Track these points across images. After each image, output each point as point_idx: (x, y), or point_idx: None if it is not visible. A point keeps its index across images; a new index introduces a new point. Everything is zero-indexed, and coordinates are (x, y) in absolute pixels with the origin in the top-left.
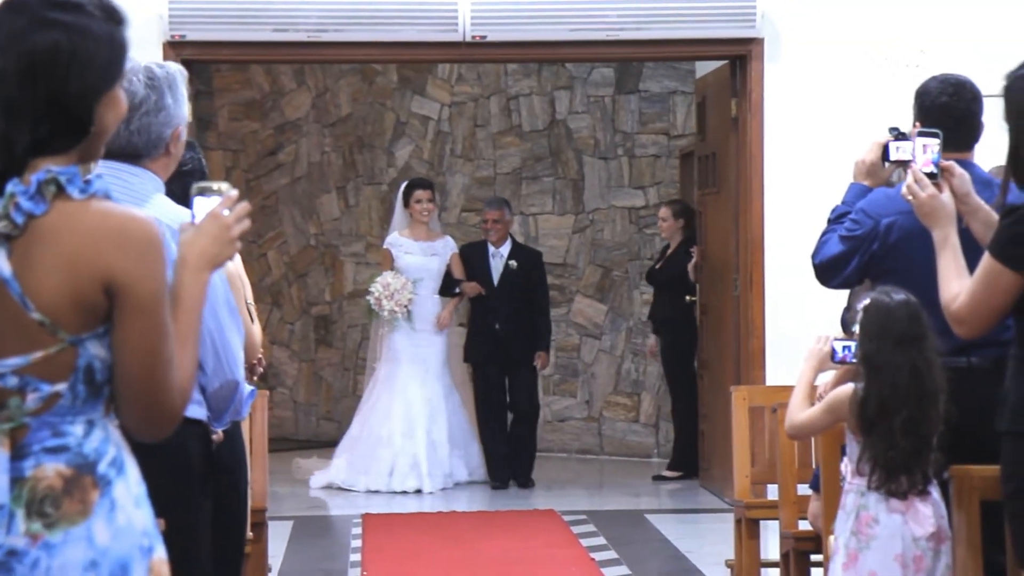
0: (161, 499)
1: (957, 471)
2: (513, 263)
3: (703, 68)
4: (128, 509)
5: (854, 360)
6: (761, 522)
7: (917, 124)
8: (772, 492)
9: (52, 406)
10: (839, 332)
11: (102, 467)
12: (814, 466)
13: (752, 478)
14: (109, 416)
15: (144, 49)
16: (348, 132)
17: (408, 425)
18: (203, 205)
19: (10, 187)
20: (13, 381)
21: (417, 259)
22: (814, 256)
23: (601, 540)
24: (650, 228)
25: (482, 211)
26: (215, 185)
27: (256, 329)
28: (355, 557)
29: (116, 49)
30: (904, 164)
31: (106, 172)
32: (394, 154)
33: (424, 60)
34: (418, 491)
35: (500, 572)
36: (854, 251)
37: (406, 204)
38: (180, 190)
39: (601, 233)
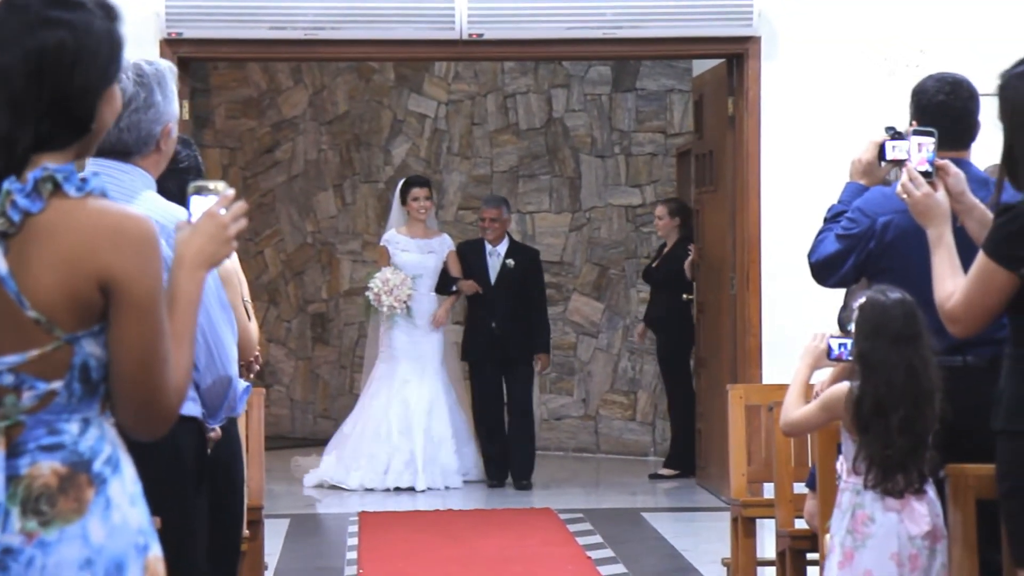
0: (156, 497)
1: (953, 470)
2: (510, 262)
3: (700, 66)
4: (123, 507)
5: (850, 358)
6: (757, 520)
7: (914, 123)
8: (768, 490)
9: (48, 404)
10: (835, 330)
11: (97, 465)
12: (810, 465)
13: (748, 476)
14: (105, 414)
15: (141, 47)
16: (345, 130)
17: (405, 422)
18: (200, 204)
19: (7, 184)
20: (9, 379)
21: (414, 257)
22: (810, 255)
23: (597, 538)
24: (647, 226)
25: (479, 209)
26: (212, 184)
27: (253, 327)
28: (351, 555)
29: (115, 46)
30: (900, 163)
31: (96, 170)
32: (391, 152)
33: (421, 58)
34: (411, 488)
35: (497, 570)
36: (850, 250)
37: (403, 201)
38: (176, 188)
39: (598, 231)
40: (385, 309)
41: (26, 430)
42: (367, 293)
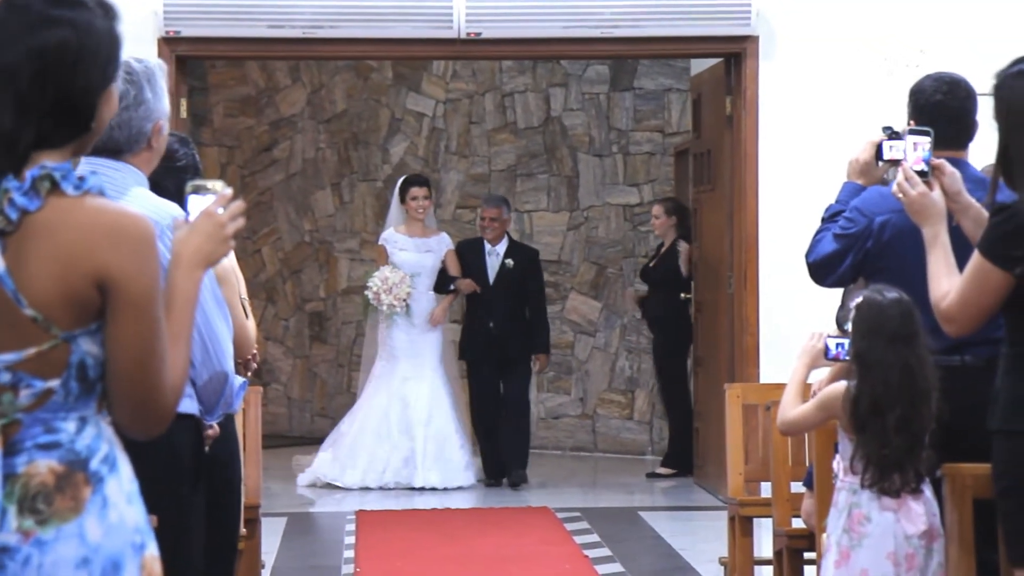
0: (153, 495)
1: (950, 469)
2: (509, 262)
3: (698, 65)
4: (120, 506)
5: (847, 357)
6: (755, 519)
7: (911, 123)
8: (766, 490)
9: (45, 402)
10: (833, 329)
11: (94, 464)
12: (808, 464)
13: (746, 476)
14: (102, 413)
15: (139, 45)
16: (343, 128)
17: (404, 421)
18: (197, 203)
19: (4, 183)
20: (6, 377)
21: (411, 256)
22: (808, 255)
23: (595, 537)
24: (644, 225)
25: (480, 208)
26: (209, 183)
27: (250, 325)
28: (348, 554)
29: (115, 45)
30: (898, 163)
31: (87, 168)
32: (389, 151)
33: (419, 57)
34: (410, 487)
35: (494, 569)
36: (848, 249)
37: (402, 200)
38: (174, 186)
39: (596, 230)
40: (385, 308)
41: (23, 428)
42: (366, 292)
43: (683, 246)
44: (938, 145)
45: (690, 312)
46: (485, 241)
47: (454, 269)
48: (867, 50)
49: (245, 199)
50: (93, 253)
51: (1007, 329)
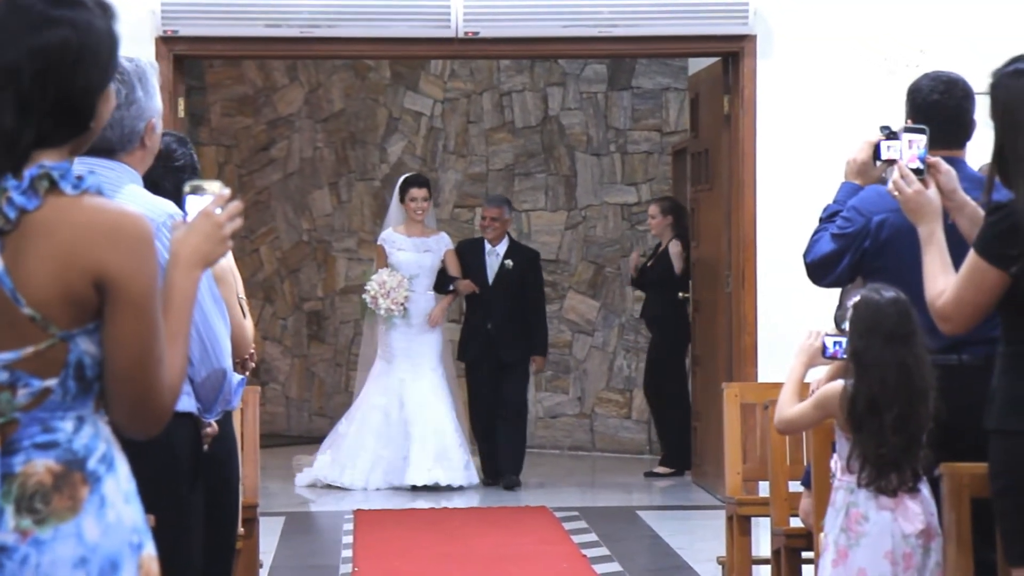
0: (151, 495)
1: (948, 468)
2: (509, 262)
3: (696, 65)
4: (118, 505)
5: (845, 356)
6: (753, 519)
7: (909, 122)
8: (764, 489)
9: (42, 402)
10: (831, 328)
11: (92, 463)
12: (805, 463)
13: (744, 475)
14: (99, 412)
15: (137, 45)
16: (341, 128)
17: (402, 421)
18: (195, 203)
19: (2, 182)
20: (4, 376)
21: (410, 255)
22: (806, 255)
23: (593, 536)
24: (642, 224)
25: (482, 208)
26: (207, 184)
27: (248, 324)
28: (346, 553)
29: (114, 45)
30: (895, 163)
31: (80, 167)
32: (387, 150)
33: (417, 56)
34: (412, 487)
35: (491, 568)
36: (845, 249)
37: (401, 200)
38: (172, 186)
39: (594, 229)
40: (382, 312)
41: (20, 428)
42: (364, 295)
43: (674, 246)
44: (935, 144)
45: (688, 311)
46: (486, 241)
47: (454, 269)
48: (865, 49)
49: (243, 198)
50: (91, 252)
51: (1003, 328)
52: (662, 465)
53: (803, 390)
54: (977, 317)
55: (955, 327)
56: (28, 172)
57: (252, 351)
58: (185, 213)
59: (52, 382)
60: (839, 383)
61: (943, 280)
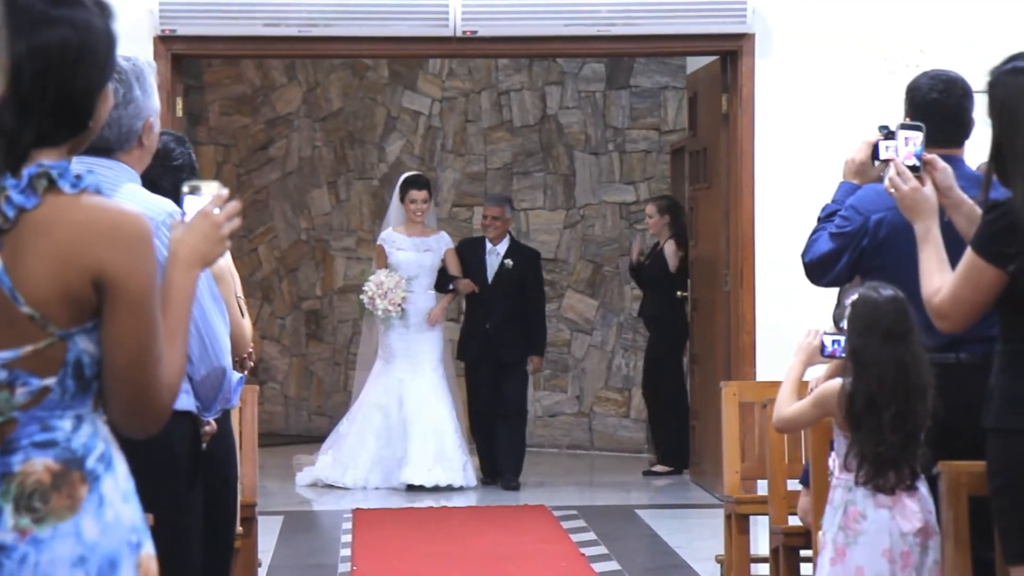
0: (149, 494)
1: (946, 467)
2: (508, 262)
3: (694, 64)
4: (116, 504)
5: (843, 355)
6: (751, 517)
7: (906, 120)
8: (762, 487)
9: (41, 400)
10: (829, 327)
11: (90, 462)
12: (804, 461)
13: (742, 473)
14: (98, 411)
15: (135, 44)
16: (339, 127)
17: (401, 421)
18: (193, 203)
19: (1, 181)
20: (2, 375)
21: (409, 255)
22: (804, 254)
23: (591, 535)
24: (641, 223)
25: (483, 207)
26: (205, 183)
27: (246, 323)
28: (345, 552)
29: (112, 44)
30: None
31: (78, 166)
32: (385, 149)
33: (415, 55)
34: (409, 487)
35: (490, 567)
36: (844, 248)
37: (401, 200)
38: (170, 185)
39: (592, 228)
40: (380, 313)
41: (19, 427)
42: (361, 296)
43: (669, 246)
44: (934, 143)
45: (686, 310)
46: (486, 240)
47: (454, 268)
48: (864, 48)
49: (241, 198)
50: (90, 251)
51: (1001, 327)
52: (659, 463)
53: (802, 389)
54: (974, 315)
55: (952, 325)
56: (27, 171)
57: (250, 350)
58: (183, 213)
59: (51, 381)
60: (837, 381)
61: (939, 278)
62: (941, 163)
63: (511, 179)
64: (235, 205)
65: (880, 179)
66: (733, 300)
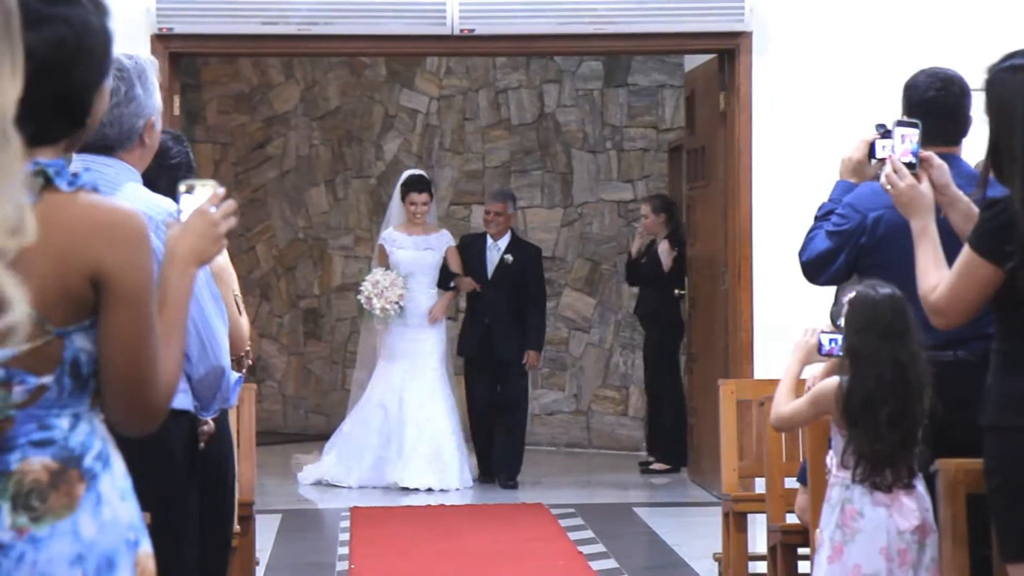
0: (146, 492)
1: (944, 464)
2: (509, 257)
3: (692, 62)
4: (114, 503)
5: (840, 353)
6: (749, 515)
7: (904, 118)
8: (760, 485)
9: (38, 399)
10: (827, 325)
11: (88, 461)
12: (801, 459)
13: (740, 472)
14: (95, 410)
15: (132, 42)
16: (337, 125)
17: (401, 420)
18: (190, 202)
19: None
20: None
21: (410, 254)
22: (801, 253)
23: (589, 533)
24: (639, 222)
25: (485, 202)
26: (202, 182)
27: (244, 322)
28: (343, 551)
29: (108, 42)
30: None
31: (80, 164)
32: (383, 147)
33: (412, 53)
34: (416, 489)
35: (487, 566)
36: (841, 246)
37: (402, 200)
38: (168, 184)
39: (590, 227)
40: (377, 312)
41: (16, 425)
42: (358, 297)
43: (663, 246)
44: (931, 141)
45: (681, 308)
46: (488, 236)
47: (455, 266)
48: (861, 46)
49: (239, 196)
50: (87, 249)
51: (997, 325)
52: (658, 462)
53: (799, 387)
54: (970, 312)
55: (948, 322)
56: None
57: (248, 349)
58: (180, 211)
59: (48, 379)
60: (834, 380)
61: (936, 275)
62: (937, 160)
63: (509, 177)
64: (231, 204)
65: (877, 178)
66: (731, 298)
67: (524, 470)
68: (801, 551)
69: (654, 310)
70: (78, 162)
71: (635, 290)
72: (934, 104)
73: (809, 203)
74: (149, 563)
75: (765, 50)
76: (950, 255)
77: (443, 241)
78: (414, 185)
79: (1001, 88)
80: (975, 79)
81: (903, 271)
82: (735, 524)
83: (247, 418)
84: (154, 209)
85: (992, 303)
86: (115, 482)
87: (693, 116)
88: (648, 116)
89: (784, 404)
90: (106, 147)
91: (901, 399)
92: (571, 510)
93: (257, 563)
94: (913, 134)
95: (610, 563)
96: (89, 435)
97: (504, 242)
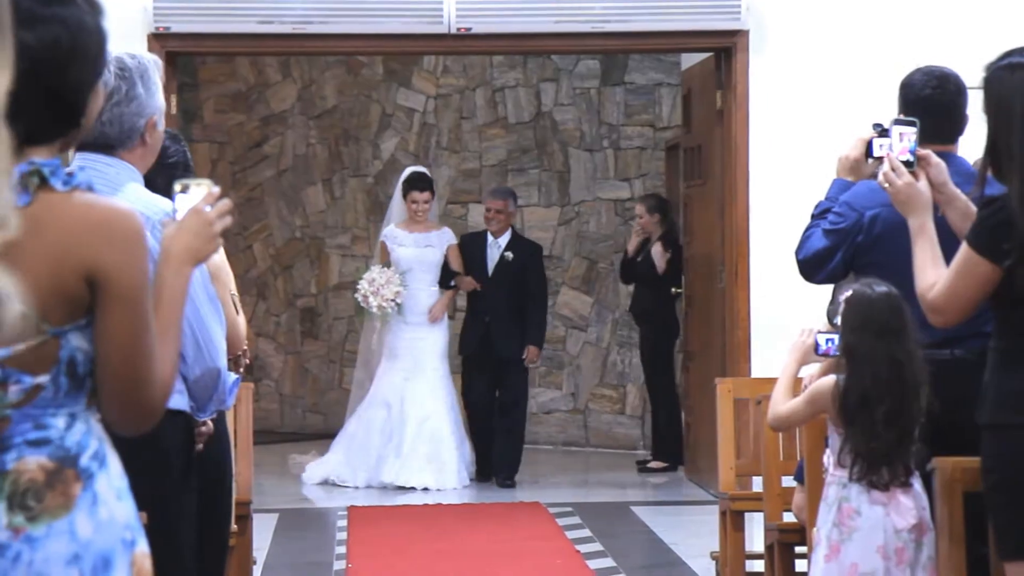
0: (142, 492)
1: (941, 463)
2: (509, 254)
3: (688, 60)
4: (110, 502)
5: (837, 353)
6: (746, 514)
7: (901, 116)
8: (757, 484)
9: (34, 398)
10: (824, 324)
11: (84, 460)
12: (799, 458)
13: (737, 470)
14: (91, 409)
15: (128, 41)
16: (334, 124)
17: (401, 420)
18: (185, 201)
19: None
20: None
21: (410, 251)
22: (797, 252)
23: (586, 532)
24: (635, 220)
25: (485, 200)
26: (197, 181)
27: (241, 321)
28: (340, 550)
29: (103, 41)
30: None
31: (81, 163)
32: (380, 146)
33: (409, 52)
34: (412, 488)
35: (485, 564)
36: (838, 245)
37: (404, 197)
38: (165, 183)
39: (587, 225)
40: (374, 309)
41: (12, 425)
42: (355, 296)
43: (656, 248)
44: (927, 139)
45: (676, 306)
46: (488, 234)
47: (456, 264)
48: (858, 44)
49: (236, 195)
50: (82, 248)
51: (995, 324)
52: (655, 460)
53: (796, 387)
54: (968, 310)
55: (946, 320)
56: (18, 169)
57: (245, 348)
58: (175, 211)
59: (44, 379)
60: (831, 378)
61: (933, 273)
62: (935, 158)
63: (506, 176)
64: (226, 203)
65: (874, 176)
66: (728, 296)
67: (521, 469)
68: (798, 550)
69: (649, 309)
70: (81, 160)
71: (631, 288)
72: (930, 102)
73: (806, 201)
74: (146, 563)
75: (762, 48)
76: (948, 253)
77: (444, 239)
78: (416, 183)
79: (999, 86)
80: (972, 77)
81: (900, 269)
82: (732, 523)
83: (244, 417)
84: (150, 209)
85: (990, 301)
86: (111, 481)
87: (690, 114)
88: (645, 115)
89: (781, 404)
90: (107, 146)
91: (898, 397)
92: (568, 509)
93: (254, 562)
94: (911, 132)
95: (607, 562)
96: (85, 434)
97: (505, 240)
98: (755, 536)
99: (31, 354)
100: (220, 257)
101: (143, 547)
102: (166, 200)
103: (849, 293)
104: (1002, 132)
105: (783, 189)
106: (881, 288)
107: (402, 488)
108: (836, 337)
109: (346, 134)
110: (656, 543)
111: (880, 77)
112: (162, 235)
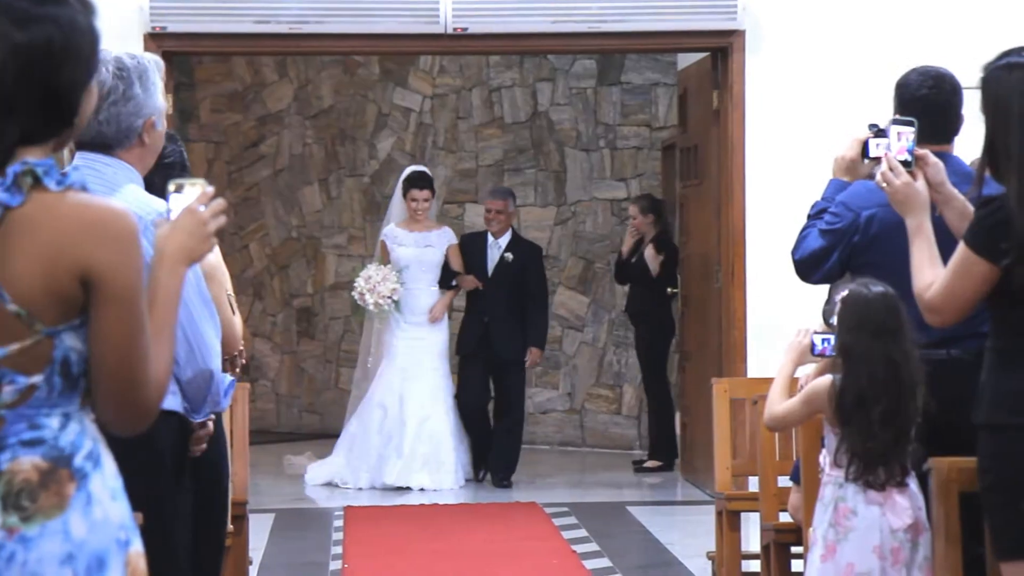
0: (136, 492)
1: (937, 463)
2: (508, 255)
3: (685, 60)
4: (104, 502)
5: (833, 353)
6: (742, 514)
7: (897, 115)
8: (753, 484)
9: (28, 398)
10: (820, 324)
11: (78, 460)
12: (795, 458)
13: (733, 470)
14: (85, 409)
15: (125, 41)
16: (330, 124)
17: (401, 420)
18: (179, 201)
19: None
20: None
21: (410, 250)
22: (794, 252)
23: (583, 532)
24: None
25: (485, 200)
26: (191, 181)
27: (237, 321)
28: (337, 550)
29: (95, 41)
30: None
31: (79, 163)
32: (376, 146)
33: (406, 52)
34: (410, 488)
35: (482, 564)
36: (835, 245)
37: (404, 195)
38: (161, 183)
39: (583, 225)
40: (371, 307)
41: (6, 425)
42: (352, 294)
43: (649, 250)
44: (923, 139)
45: (672, 306)
46: (488, 234)
47: (456, 264)
48: (854, 44)
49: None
50: (76, 248)
51: (992, 324)
52: (651, 459)
53: (792, 387)
54: (966, 310)
55: (943, 319)
56: (11, 169)
57: (242, 348)
58: (169, 211)
59: (38, 379)
60: (827, 378)
61: (931, 272)
62: (933, 158)
63: (502, 176)
64: (220, 202)
65: (870, 176)
66: (724, 296)
67: (518, 468)
68: (794, 550)
69: (645, 309)
70: (79, 159)
71: (627, 289)
72: (926, 102)
73: (802, 201)
74: (140, 563)
75: (758, 48)
76: (946, 253)
77: (444, 239)
78: (415, 182)
79: (997, 86)
80: (968, 77)
81: (896, 269)
82: (728, 523)
83: (240, 417)
84: (144, 209)
85: (987, 301)
86: (106, 481)
87: (686, 114)
88: (641, 114)
89: (777, 404)
90: (105, 145)
91: (894, 397)
92: (565, 509)
93: (250, 562)
94: (909, 132)
95: (604, 562)
96: (79, 434)
97: (505, 240)
98: (751, 536)
99: (25, 354)
100: (216, 257)
101: (137, 547)
102: (161, 201)
103: (845, 293)
104: (1000, 132)
105: (779, 189)
106: (877, 288)
107: (399, 488)
108: (832, 337)
109: (342, 134)
110: (652, 543)
111: (876, 77)
112: (156, 235)
